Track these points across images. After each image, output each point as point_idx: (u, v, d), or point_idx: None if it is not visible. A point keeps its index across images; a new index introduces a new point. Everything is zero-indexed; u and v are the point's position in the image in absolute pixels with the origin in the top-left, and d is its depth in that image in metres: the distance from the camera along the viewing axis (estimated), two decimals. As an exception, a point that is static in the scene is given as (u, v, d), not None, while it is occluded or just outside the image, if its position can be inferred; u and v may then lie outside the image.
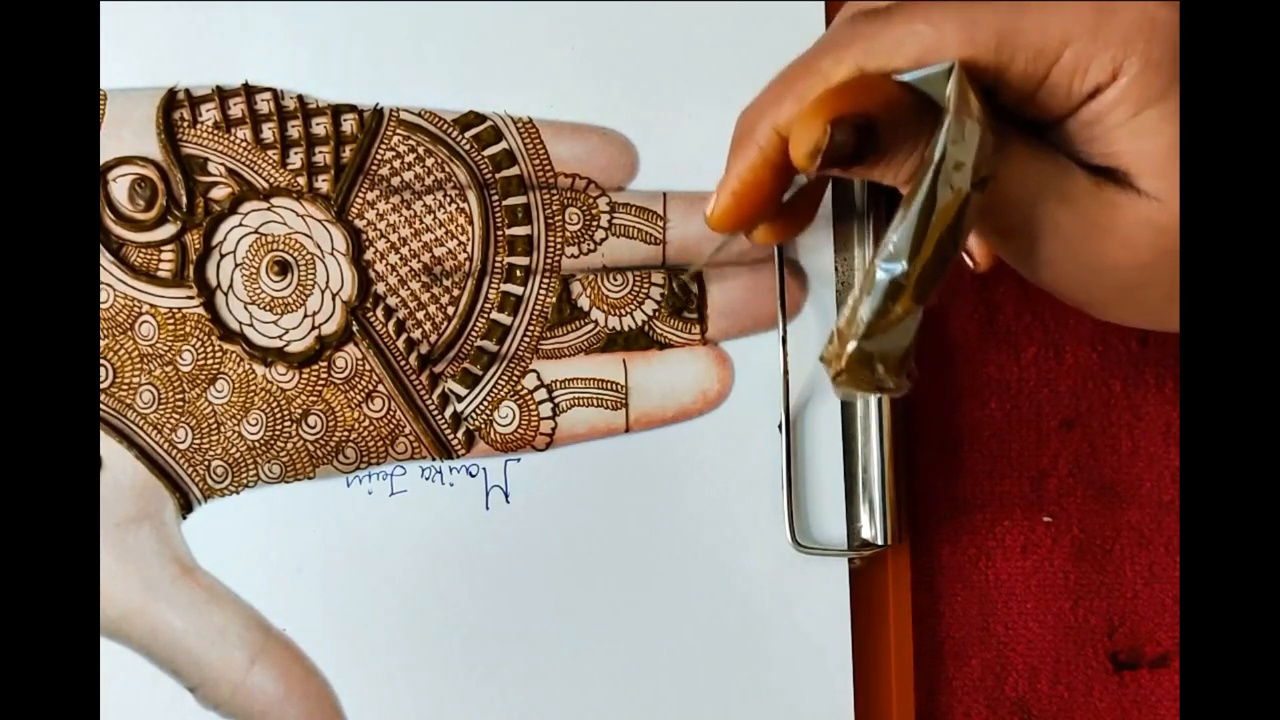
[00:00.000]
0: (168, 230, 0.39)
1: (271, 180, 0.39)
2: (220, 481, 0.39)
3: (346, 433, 0.39)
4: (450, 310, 0.40)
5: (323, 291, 0.39)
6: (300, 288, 0.39)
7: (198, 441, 0.39)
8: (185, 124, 0.39)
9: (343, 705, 0.39)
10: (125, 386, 0.39)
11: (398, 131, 0.40)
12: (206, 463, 0.39)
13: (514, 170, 0.40)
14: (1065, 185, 0.32)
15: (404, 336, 0.39)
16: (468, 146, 0.40)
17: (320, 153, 0.39)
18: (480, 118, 0.40)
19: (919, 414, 0.41)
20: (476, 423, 0.40)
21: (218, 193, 0.39)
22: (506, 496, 0.40)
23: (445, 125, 0.40)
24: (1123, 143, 0.31)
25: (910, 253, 0.30)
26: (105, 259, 0.39)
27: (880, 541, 0.39)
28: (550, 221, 0.40)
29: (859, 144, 0.31)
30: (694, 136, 0.40)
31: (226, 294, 0.39)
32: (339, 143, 0.39)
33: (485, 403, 0.40)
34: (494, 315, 0.40)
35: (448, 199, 0.40)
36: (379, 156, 0.40)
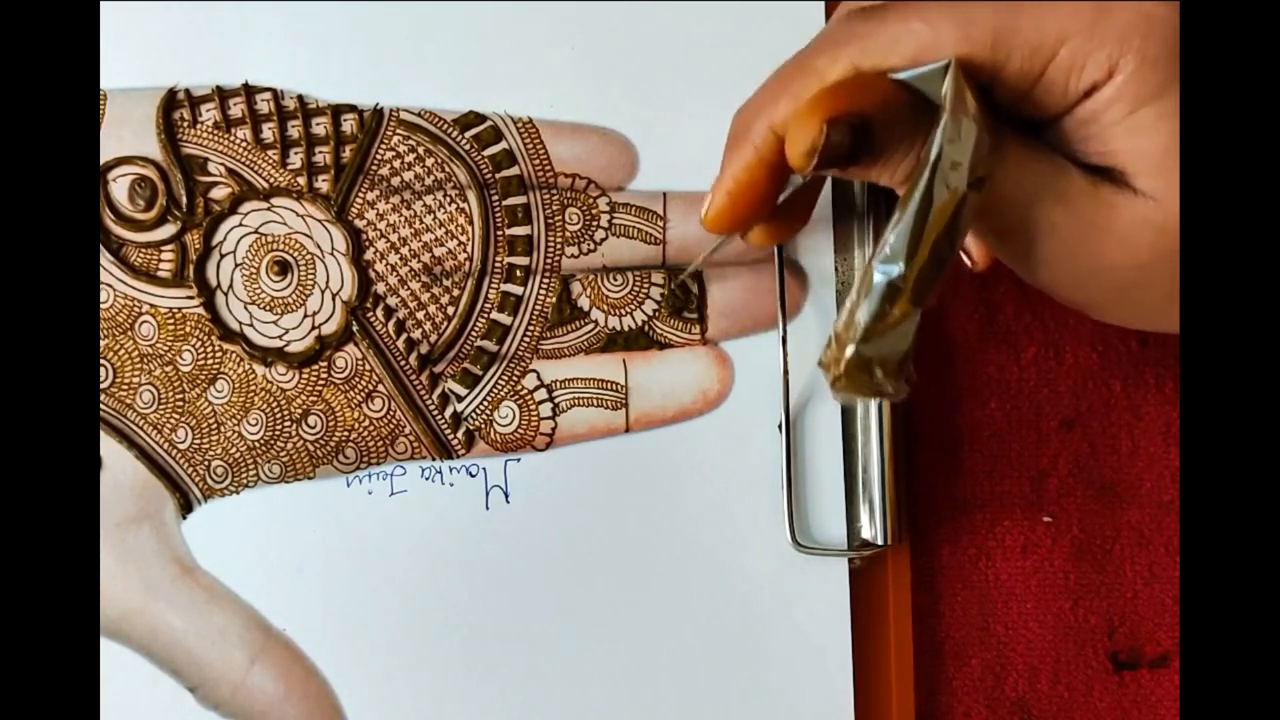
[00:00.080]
0: (168, 230, 0.39)
1: (271, 180, 0.39)
2: (220, 481, 0.39)
3: (346, 433, 0.39)
4: (450, 310, 0.40)
5: (323, 291, 0.39)
6: (300, 288, 0.39)
7: (198, 441, 0.39)
8: (185, 124, 0.39)
9: (343, 705, 0.39)
10: (125, 386, 0.39)
11: (398, 131, 0.40)
12: (206, 463, 0.39)
13: (514, 170, 0.40)
14: (1062, 186, 0.32)
15: (404, 336, 0.39)
16: (468, 146, 0.40)
17: (320, 153, 0.39)
18: (480, 118, 0.40)
19: (919, 414, 0.41)
20: (476, 423, 0.40)
21: (218, 193, 0.39)
22: (506, 496, 0.40)
23: (445, 125, 0.40)
24: (1119, 141, 0.31)
25: (907, 254, 0.30)
26: (105, 259, 0.39)
27: (880, 541, 0.39)
28: (550, 221, 0.40)
29: (855, 144, 0.30)
30: (694, 136, 0.40)
31: (226, 294, 0.39)
32: (339, 143, 0.39)
33: (485, 403, 0.40)
34: (494, 315, 0.40)
35: (448, 199, 0.40)
36: (379, 156, 0.40)
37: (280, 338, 0.39)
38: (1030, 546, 0.41)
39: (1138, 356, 0.42)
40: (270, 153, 0.39)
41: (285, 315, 0.39)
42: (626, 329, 0.40)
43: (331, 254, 0.39)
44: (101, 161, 0.39)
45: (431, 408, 0.39)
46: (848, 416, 0.40)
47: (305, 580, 0.39)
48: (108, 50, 0.39)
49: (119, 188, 0.39)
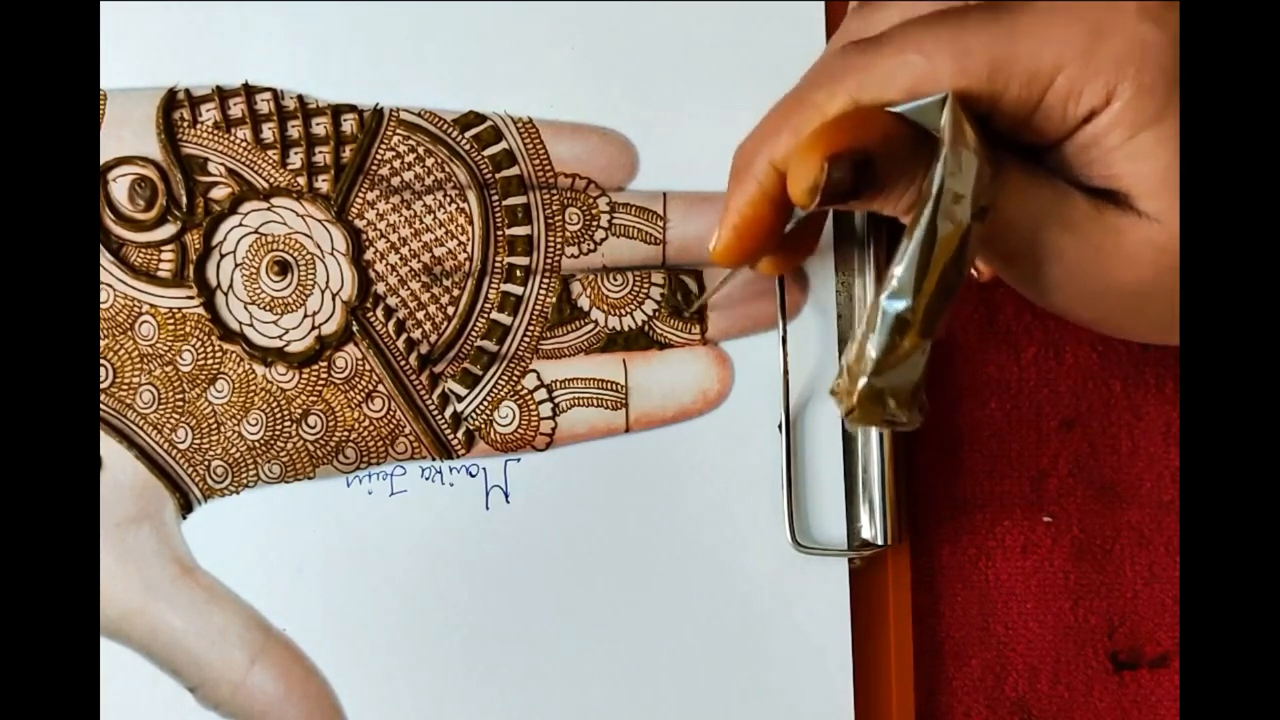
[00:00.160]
0: (168, 230, 0.39)
1: (271, 180, 0.39)
2: (220, 481, 0.39)
3: (346, 433, 0.39)
4: (450, 310, 0.40)
5: (323, 291, 0.39)
6: (300, 288, 0.39)
7: (198, 441, 0.39)
8: (185, 124, 0.39)
9: (343, 705, 0.39)
10: (125, 386, 0.39)
11: (398, 131, 0.40)
12: (206, 463, 0.39)
13: (514, 170, 0.40)
14: (1066, 211, 0.32)
15: (404, 336, 0.39)
16: (468, 146, 0.40)
17: (320, 153, 0.39)
18: (480, 118, 0.40)
19: (919, 414, 0.41)
20: (476, 423, 0.40)
21: (218, 193, 0.39)
22: (506, 496, 0.40)
23: (445, 125, 0.40)
24: (1120, 165, 0.31)
25: (914, 287, 0.30)
26: (105, 259, 0.39)
27: (880, 541, 0.39)
28: (550, 221, 0.40)
29: (856, 180, 0.30)
30: (694, 136, 0.40)
31: (226, 294, 0.39)
32: (339, 143, 0.39)
33: (485, 403, 0.40)
34: (494, 315, 0.40)
35: (448, 199, 0.40)
36: (379, 156, 0.40)
37: (280, 338, 0.39)
38: (1030, 546, 0.41)
39: (1138, 356, 0.42)
40: (270, 153, 0.39)
41: (285, 315, 0.39)
42: (626, 329, 0.40)
43: (331, 254, 0.39)
44: (101, 161, 0.39)
45: (431, 408, 0.39)
46: (848, 416, 0.40)
47: (305, 580, 0.39)
48: (108, 50, 0.39)
49: (119, 188, 0.39)
